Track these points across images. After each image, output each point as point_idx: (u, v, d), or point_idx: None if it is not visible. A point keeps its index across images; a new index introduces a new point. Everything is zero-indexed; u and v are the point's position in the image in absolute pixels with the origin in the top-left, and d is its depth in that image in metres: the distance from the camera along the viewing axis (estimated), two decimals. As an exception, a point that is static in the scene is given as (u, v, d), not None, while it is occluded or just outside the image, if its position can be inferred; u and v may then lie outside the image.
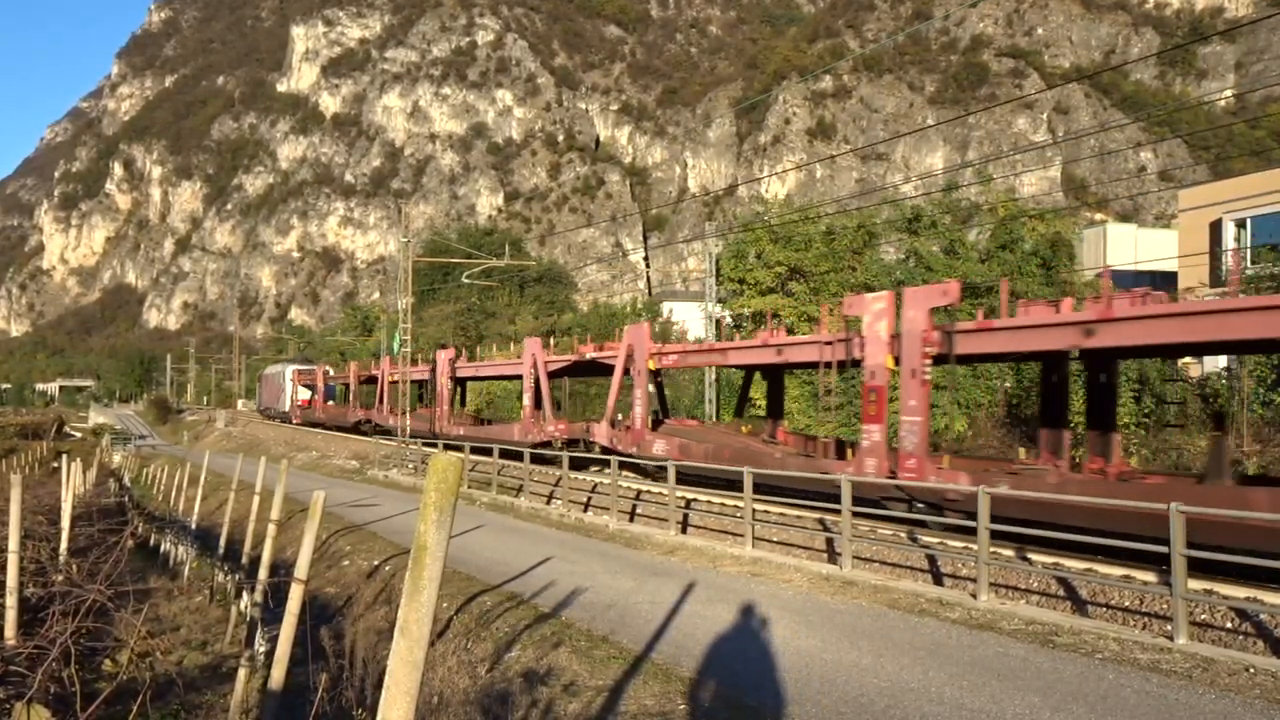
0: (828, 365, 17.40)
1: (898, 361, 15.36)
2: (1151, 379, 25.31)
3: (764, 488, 16.66)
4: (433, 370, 37.44)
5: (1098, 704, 6.87)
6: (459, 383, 38.35)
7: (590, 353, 27.00)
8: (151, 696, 7.36)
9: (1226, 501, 11.32)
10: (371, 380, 48.63)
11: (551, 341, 35.11)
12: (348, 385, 53.33)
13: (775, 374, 22.40)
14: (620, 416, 24.83)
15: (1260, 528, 10.20)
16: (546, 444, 27.65)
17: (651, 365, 23.03)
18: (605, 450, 24.29)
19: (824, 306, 18.89)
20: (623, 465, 20.47)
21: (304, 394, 60.22)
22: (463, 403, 39.78)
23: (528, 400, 30.04)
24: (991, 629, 9.26)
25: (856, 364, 16.82)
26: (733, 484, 18.50)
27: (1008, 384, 29.21)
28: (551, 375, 29.36)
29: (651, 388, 24.69)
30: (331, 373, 59.01)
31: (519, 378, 32.25)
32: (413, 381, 40.67)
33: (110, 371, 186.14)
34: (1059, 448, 14.98)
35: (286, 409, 61.78)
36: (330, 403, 56.88)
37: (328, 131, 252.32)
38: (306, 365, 65.95)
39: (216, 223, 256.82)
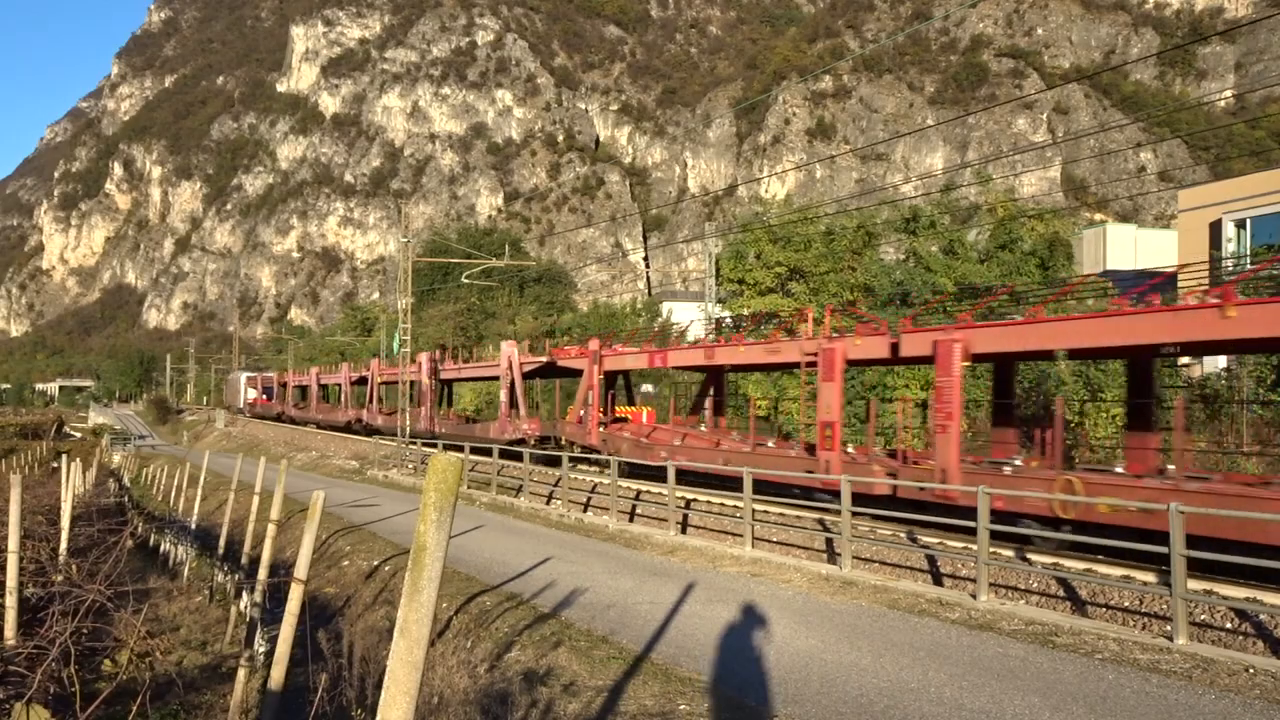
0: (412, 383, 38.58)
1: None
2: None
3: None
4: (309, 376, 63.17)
5: (1097, 704, 6.87)
6: (324, 387, 61.25)
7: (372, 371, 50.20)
8: (151, 696, 7.35)
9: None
10: (286, 385, 70.64)
11: (550, 342, 46.67)
12: (282, 386, 72.69)
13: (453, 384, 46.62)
14: (374, 404, 47.58)
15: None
16: (357, 421, 48.67)
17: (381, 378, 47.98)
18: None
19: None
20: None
21: (252, 394, 76.80)
22: (325, 398, 62.47)
23: (343, 396, 54.42)
24: (991, 629, 9.26)
25: (415, 384, 39.10)
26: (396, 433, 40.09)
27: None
28: (354, 383, 52.74)
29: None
30: (274, 377, 76.63)
31: (339, 384, 56.56)
32: (301, 386, 64.94)
33: (110, 371, 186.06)
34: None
35: (241, 405, 79.73)
36: (272, 400, 73.49)
37: (327, 131, 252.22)
38: (254, 373, 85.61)
39: (216, 223, 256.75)
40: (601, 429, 25.59)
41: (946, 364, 14.52)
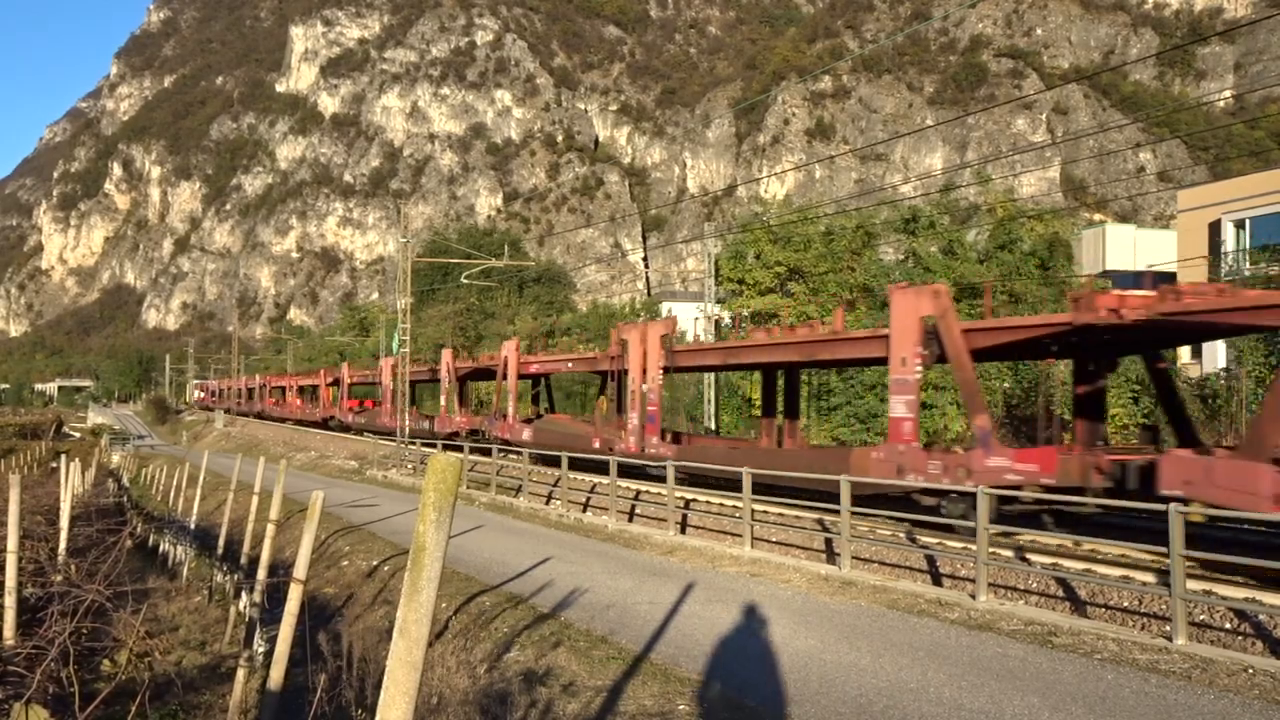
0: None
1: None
2: (1149, 381, 25.26)
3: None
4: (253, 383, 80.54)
5: (1096, 704, 6.87)
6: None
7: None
8: (150, 697, 7.35)
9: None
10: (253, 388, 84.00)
11: (549, 342, 44.82)
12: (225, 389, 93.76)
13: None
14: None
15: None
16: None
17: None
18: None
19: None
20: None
21: (199, 395, 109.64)
22: (269, 398, 73.70)
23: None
24: (990, 629, 9.26)
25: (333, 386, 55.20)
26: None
27: (1006, 384, 29.22)
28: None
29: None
30: (215, 384, 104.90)
31: (282, 387, 71.58)
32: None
33: (109, 372, 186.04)
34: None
35: (192, 402, 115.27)
36: (215, 398, 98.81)
37: (327, 132, 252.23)
38: (203, 380, 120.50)
39: (215, 223, 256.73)
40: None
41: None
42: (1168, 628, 9.20)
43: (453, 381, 36.87)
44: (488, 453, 26.21)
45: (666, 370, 22.67)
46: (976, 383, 14.88)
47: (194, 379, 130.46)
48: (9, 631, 8.27)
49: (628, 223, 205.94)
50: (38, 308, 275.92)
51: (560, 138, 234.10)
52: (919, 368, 14.91)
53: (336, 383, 54.38)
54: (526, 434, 28.44)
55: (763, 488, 16.26)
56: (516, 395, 30.59)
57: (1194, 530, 11.79)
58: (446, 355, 37.08)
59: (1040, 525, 13.72)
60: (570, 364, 29.47)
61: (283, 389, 70.23)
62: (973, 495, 11.98)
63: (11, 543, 8.61)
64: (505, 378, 30.62)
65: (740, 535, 15.01)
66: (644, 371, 22.47)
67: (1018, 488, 13.25)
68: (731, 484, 17.61)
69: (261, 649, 8.32)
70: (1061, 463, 13.58)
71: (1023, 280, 31.33)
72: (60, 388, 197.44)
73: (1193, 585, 9.85)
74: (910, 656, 8.24)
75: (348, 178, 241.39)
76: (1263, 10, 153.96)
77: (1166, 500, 10.68)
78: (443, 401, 38.88)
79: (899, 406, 15.20)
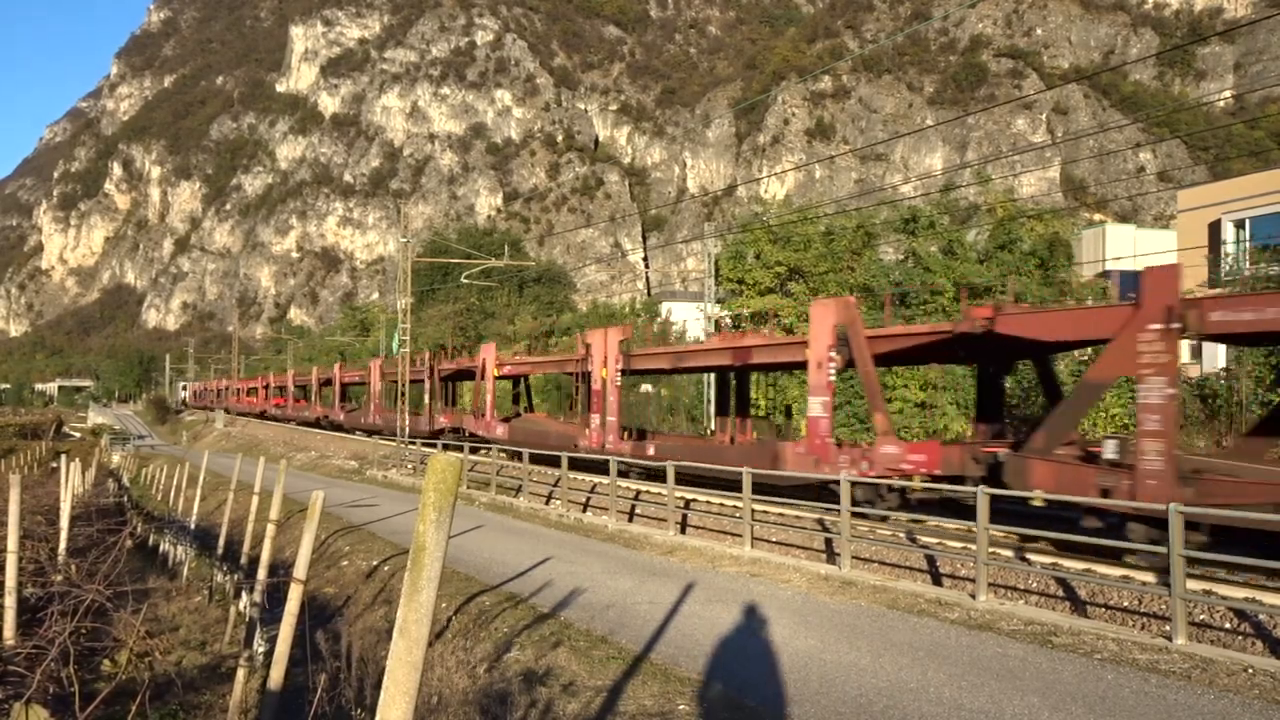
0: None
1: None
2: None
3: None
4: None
5: (1096, 704, 6.87)
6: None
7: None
8: (150, 696, 7.35)
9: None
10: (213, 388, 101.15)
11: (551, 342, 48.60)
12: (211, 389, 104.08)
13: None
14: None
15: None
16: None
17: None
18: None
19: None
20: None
21: (185, 394, 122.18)
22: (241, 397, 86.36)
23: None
24: (990, 629, 9.26)
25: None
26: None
27: (1006, 384, 29.16)
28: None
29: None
30: (200, 385, 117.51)
31: (254, 390, 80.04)
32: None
33: (109, 371, 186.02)
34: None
35: (181, 399, 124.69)
36: (196, 398, 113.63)
37: (327, 131, 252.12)
38: (193, 382, 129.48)
39: (215, 223, 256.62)
40: None
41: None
42: (1168, 627, 9.20)
43: (313, 385, 54.33)
44: (488, 452, 26.33)
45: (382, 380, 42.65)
46: (495, 392, 32.25)
47: (184, 380, 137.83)
48: (9, 631, 8.27)
49: (628, 223, 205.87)
50: (38, 308, 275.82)
51: (560, 138, 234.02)
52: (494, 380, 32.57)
53: (268, 385, 75.22)
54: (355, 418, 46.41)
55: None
56: (341, 394, 53.12)
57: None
58: (315, 371, 55.98)
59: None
60: (379, 374, 44.95)
61: (242, 390, 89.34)
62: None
63: (12, 543, 8.61)
64: (335, 384, 52.03)
65: (740, 535, 15.02)
66: (379, 385, 43.87)
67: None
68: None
69: (261, 649, 8.32)
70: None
71: (1023, 280, 31.29)
72: (60, 388, 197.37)
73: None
74: (910, 656, 8.25)
75: (348, 178, 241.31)
76: (1263, 10, 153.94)
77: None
78: (311, 399, 58.39)
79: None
